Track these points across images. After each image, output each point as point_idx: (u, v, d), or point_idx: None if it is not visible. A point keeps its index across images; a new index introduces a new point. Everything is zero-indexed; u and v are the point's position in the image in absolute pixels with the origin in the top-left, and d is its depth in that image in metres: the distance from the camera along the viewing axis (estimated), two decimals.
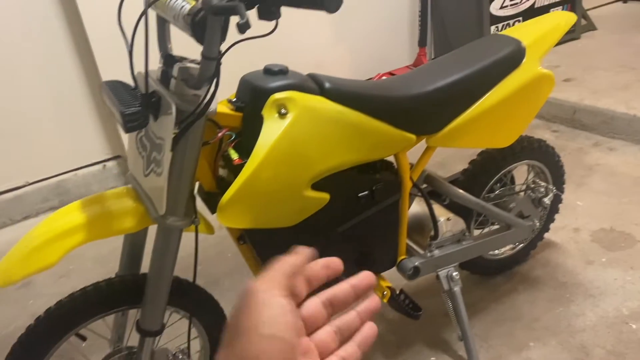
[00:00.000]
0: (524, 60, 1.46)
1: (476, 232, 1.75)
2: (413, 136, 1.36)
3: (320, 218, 1.29)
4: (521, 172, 1.81)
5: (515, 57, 1.45)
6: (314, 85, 1.23)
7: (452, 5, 3.64)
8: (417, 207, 1.60)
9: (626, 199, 2.20)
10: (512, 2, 3.58)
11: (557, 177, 1.84)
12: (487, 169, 1.67)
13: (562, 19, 1.56)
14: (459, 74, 1.39)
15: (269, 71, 1.21)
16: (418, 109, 1.35)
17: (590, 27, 4.11)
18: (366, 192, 1.36)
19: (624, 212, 2.12)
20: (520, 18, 3.65)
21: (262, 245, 1.29)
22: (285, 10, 0.91)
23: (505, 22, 3.60)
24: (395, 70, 3.67)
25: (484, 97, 1.42)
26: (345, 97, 1.25)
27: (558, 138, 2.81)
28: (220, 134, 1.17)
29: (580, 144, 2.71)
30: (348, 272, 1.38)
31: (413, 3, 3.71)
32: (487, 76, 1.42)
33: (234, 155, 1.19)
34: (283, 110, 1.15)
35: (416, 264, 1.51)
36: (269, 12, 0.89)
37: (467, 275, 1.88)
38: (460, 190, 1.55)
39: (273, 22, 0.95)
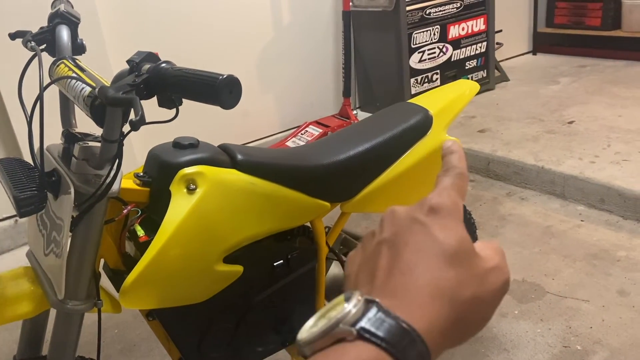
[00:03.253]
0: (432, 128, 1.53)
1: None
2: (327, 204, 1.38)
3: (234, 290, 1.27)
4: None
5: (423, 125, 1.52)
6: (225, 157, 1.23)
7: (374, 58, 3.78)
8: (336, 270, 1.61)
9: (537, 248, 2.32)
10: (430, 56, 3.76)
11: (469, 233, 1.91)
12: None
13: (466, 88, 1.65)
14: (369, 143, 1.43)
15: (178, 145, 1.20)
16: (331, 178, 1.37)
17: (504, 78, 4.38)
18: (281, 261, 1.36)
19: (534, 262, 2.23)
20: (438, 71, 3.84)
21: (171, 322, 1.25)
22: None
23: (424, 75, 3.77)
24: (323, 119, 3.74)
25: (394, 164, 1.47)
26: (258, 168, 1.25)
27: (474, 188, 2.94)
28: (125, 211, 1.14)
29: (494, 194, 2.84)
30: (264, 341, 1.35)
31: (337, 55, 3.83)
32: (397, 144, 1.47)
33: (140, 232, 1.16)
34: (192, 186, 1.14)
35: None
36: (169, 102, 0.89)
37: None
38: None
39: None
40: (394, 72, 3.70)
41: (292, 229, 1.41)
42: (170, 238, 1.10)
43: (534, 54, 5.06)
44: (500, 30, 4.35)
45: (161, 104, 0.90)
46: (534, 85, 4.13)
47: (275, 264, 1.35)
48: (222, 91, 0.81)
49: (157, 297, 1.13)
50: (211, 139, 3.48)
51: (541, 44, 4.99)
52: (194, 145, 1.20)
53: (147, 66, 0.85)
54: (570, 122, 3.29)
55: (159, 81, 0.83)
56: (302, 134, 3.64)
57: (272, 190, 1.27)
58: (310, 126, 3.68)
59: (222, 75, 0.83)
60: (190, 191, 1.13)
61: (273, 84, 3.65)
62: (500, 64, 4.45)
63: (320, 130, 3.58)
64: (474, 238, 1.91)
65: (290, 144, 3.59)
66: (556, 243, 2.34)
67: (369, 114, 4.07)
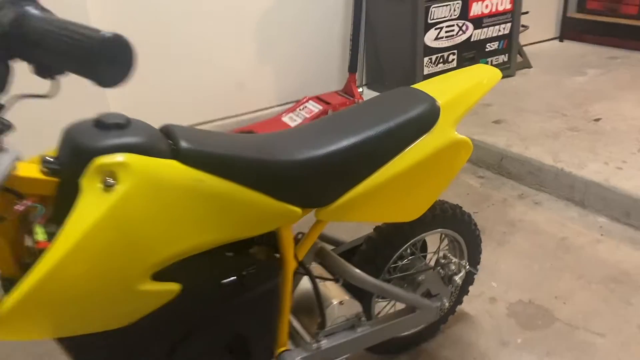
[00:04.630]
0: (437, 123, 1.23)
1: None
2: (298, 209, 1.09)
3: (169, 312, 1.00)
4: (435, 237, 1.59)
5: (427, 118, 1.22)
6: (164, 144, 0.95)
7: (386, 32, 3.44)
8: (308, 284, 1.34)
9: (548, 263, 2.03)
10: (448, 34, 3.42)
11: (473, 249, 1.63)
12: (391, 240, 1.42)
13: (485, 76, 1.34)
14: (357, 137, 1.14)
15: (100, 123, 0.91)
16: (305, 178, 1.09)
17: (526, 64, 4.03)
18: (233, 278, 1.08)
19: (544, 281, 1.94)
20: (455, 51, 3.50)
21: (79, 350, 0.98)
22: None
23: (440, 54, 3.43)
24: (324, 95, 3.43)
25: (387, 165, 1.18)
26: (208, 160, 0.97)
27: (483, 185, 2.64)
28: (20, 208, 0.86)
29: (505, 194, 2.54)
30: None
31: (345, 27, 3.49)
32: (392, 140, 1.18)
33: (40, 236, 0.88)
34: (110, 180, 0.85)
35: (298, 358, 1.24)
36: (45, 70, 0.60)
37: (363, 354, 1.63)
38: (356, 271, 1.30)
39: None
40: (406, 49, 3.36)
41: (251, 238, 1.14)
42: (72, 250, 0.82)
43: (561, 40, 4.68)
44: (527, 12, 3.98)
45: (38, 72, 0.61)
46: (558, 74, 3.79)
47: (224, 281, 1.08)
48: (98, 58, 0.52)
49: (51, 324, 0.86)
50: (200, 111, 3.18)
51: (570, 30, 4.61)
52: (121, 125, 0.91)
53: (8, 14, 0.56)
54: (597, 120, 2.96)
55: (20, 38, 0.54)
56: (300, 109, 3.34)
57: (225, 189, 0.99)
58: (310, 102, 3.37)
59: (104, 33, 0.54)
60: (107, 187, 0.85)
61: (272, 53, 3.32)
62: (524, 48, 4.09)
63: (320, 107, 3.27)
64: (477, 245, 1.62)
65: (286, 119, 3.29)
66: (571, 259, 2.05)
67: (376, 93, 3.76)
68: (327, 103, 3.33)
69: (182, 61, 3.02)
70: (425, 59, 3.37)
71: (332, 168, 1.11)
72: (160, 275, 0.96)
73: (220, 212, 0.99)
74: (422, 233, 1.46)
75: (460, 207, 1.55)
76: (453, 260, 1.48)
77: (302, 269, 1.22)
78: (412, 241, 1.45)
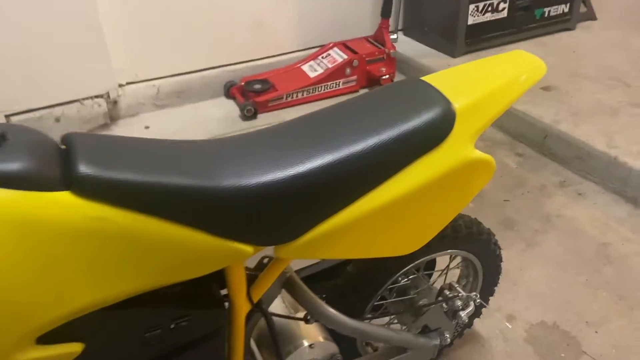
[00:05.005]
0: (450, 135, 0.91)
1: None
2: (248, 248, 0.82)
3: None
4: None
5: (436, 129, 0.90)
6: (54, 170, 0.68)
7: None
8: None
9: (583, 277, 1.73)
10: None
11: (490, 273, 1.34)
12: (376, 273, 1.15)
13: (525, 69, 1.00)
14: (338, 153, 0.84)
15: None
16: (258, 210, 0.80)
17: (590, 15, 3.51)
18: (158, 331, 0.84)
19: (575, 299, 1.65)
20: None
21: None
22: None
23: (488, 1, 2.97)
24: (351, 42, 3.05)
25: (376, 190, 0.88)
26: (114, 190, 0.70)
27: (520, 166, 2.29)
28: None
29: (544, 180, 2.20)
30: None
31: None
32: (385, 159, 0.87)
33: None
34: None
35: None
36: None
37: None
38: (330, 310, 1.03)
39: None
40: None
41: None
42: None
43: None
44: None
45: None
46: (627, 31, 3.27)
47: (147, 334, 0.84)
48: None
49: None
50: (211, 55, 2.86)
51: None
52: None
53: None
54: None
55: None
56: (322, 57, 2.98)
57: (139, 227, 0.72)
58: (335, 48, 3.00)
59: None
60: None
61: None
62: None
63: (346, 57, 2.91)
64: (495, 267, 1.33)
65: (306, 68, 2.95)
66: (611, 273, 1.74)
67: (413, 41, 3.35)
68: (354, 52, 2.96)
69: None
70: (472, 6, 2.92)
71: (298, 196, 0.82)
72: (54, 337, 0.73)
73: (133, 256, 0.74)
74: (422, 257, 1.18)
75: (479, 224, 1.25)
76: (460, 295, 1.20)
77: (259, 311, 0.97)
78: (408, 267, 1.17)
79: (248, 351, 1.12)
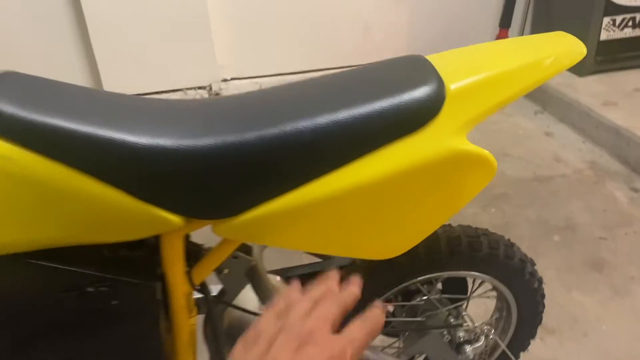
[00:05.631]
0: (436, 119, 0.75)
1: None
2: (176, 218, 0.74)
3: None
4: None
5: (417, 110, 0.74)
6: None
7: None
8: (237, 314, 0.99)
9: None
10: None
11: (526, 316, 1.10)
12: (376, 275, 0.99)
13: (558, 49, 0.80)
14: (288, 124, 0.73)
15: None
16: (185, 176, 0.72)
17: None
18: (74, 293, 0.79)
19: None
20: None
21: None
22: None
23: (630, 14, 2.57)
24: None
25: (336, 172, 0.75)
26: (28, 133, 0.66)
27: (633, 202, 1.92)
28: None
29: None
30: None
31: None
32: (348, 136, 0.74)
33: None
34: None
35: None
36: None
37: None
38: None
39: None
40: (583, 4, 2.58)
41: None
42: None
43: None
44: None
45: None
46: None
47: (62, 294, 0.79)
48: None
49: None
50: (316, 55, 2.85)
51: None
52: None
53: None
54: None
55: None
56: None
57: (52, 176, 0.68)
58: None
59: None
60: None
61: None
62: None
63: None
64: (533, 307, 1.10)
65: None
66: None
67: None
68: None
69: None
70: (606, 19, 2.56)
71: (233, 167, 0.72)
72: None
73: (41, 204, 0.69)
74: (424, 274, 1.00)
75: (511, 246, 1.03)
76: (466, 323, 0.99)
77: (204, 296, 0.88)
78: (407, 283, 1.00)
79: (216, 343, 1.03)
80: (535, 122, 2.57)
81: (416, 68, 0.79)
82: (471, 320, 1.02)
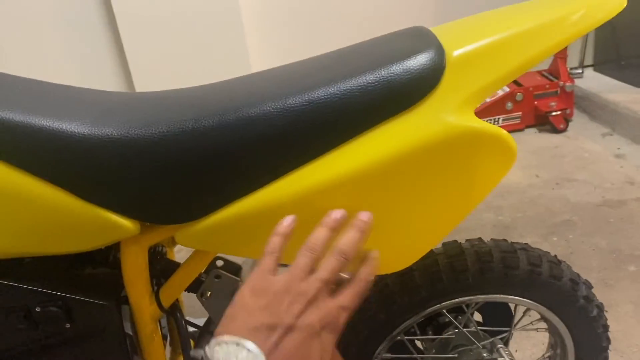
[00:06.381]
0: (434, 93, 0.60)
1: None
2: (130, 223, 0.63)
3: None
4: None
5: (409, 83, 0.60)
6: None
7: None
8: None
9: None
10: None
11: (587, 347, 0.89)
12: (391, 301, 0.82)
13: (589, 2, 0.64)
14: (250, 108, 0.61)
15: None
16: (129, 171, 0.61)
17: None
18: (22, 313, 0.69)
19: None
20: None
21: None
22: None
23: None
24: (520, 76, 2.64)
25: (314, 163, 0.62)
26: None
27: None
28: None
29: None
30: None
31: None
32: (325, 118, 0.60)
33: None
34: None
35: None
36: None
37: None
38: None
39: None
40: None
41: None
42: None
43: None
44: None
45: None
46: None
47: (16, 317, 0.69)
48: None
49: None
50: None
51: None
52: None
53: None
54: None
55: None
56: None
57: None
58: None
59: None
60: None
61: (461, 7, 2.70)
62: None
63: (508, 89, 2.53)
64: (594, 337, 0.89)
65: None
66: None
67: (608, 78, 2.77)
68: (518, 84, 2.56)
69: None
70: None
71: (185, 159, 0.61)
72: None
73: None
74: (445, 300, 0.82)
75: (557, 263, 0.84)
76: (472, 349, 0.80)
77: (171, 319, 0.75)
78: (426, 312, 0.82)
79: None
80: (603, 145, 2.31)
81: (414, 38, 0.66)
82: (511, 357, 0.83)
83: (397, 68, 0.61)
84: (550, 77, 2.59)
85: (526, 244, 0.86)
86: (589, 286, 0.87)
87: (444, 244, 0.86)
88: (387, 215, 0.64)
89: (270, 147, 0.61)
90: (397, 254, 0.68)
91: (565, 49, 2.55)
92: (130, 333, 0.74)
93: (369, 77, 0.61)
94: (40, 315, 0.68)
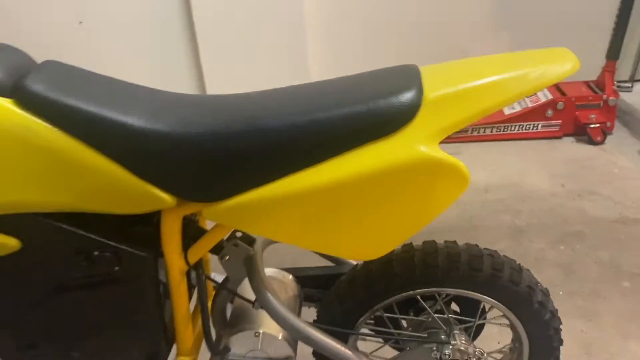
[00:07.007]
0: (409, 126, 0.77)
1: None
2: (167, 197, 0.84)
3: (10, 267, 0.91)
4: None
5: (389, 115, 0.77)
6: (9, 81, 0.81)
7: None
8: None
9: None
10: None
11: (540, 345, 1.05)
12: (376, 282, 1.00)
13: (550, 63, 0.78)
14: (273, 119, 0.80)
15: None
16: (174, 159, 0.81)
17: None
18: (84, 254, 0.91)
19: None
20: None
21: None
22: None
23: None
24: (565, 85, 2.70)
25: (313, 167, 0.80)
26: (50, 109, 0.80)
27: None
28: None
29: None
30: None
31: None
32: (324, 134, 0.78)
33: None
34: None
35: None
36: None
37: None
38: (272, 300, 0.95)
39: None
40: None
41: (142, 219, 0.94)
42: None
43: None
44: None
45: None
46: None
47: (76, 254, 0.91)
48: None
49: None
50: None
51: None
52: None
53: None
54: None
55: None
56: None
57: (65, 147, 0.81)
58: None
59: None
60: None
61: (510, 20, 2.75)
62: None
63: (550, 97, 2.59)
64: (546, 343, 1.05)
65: None
66: None
67: None
68: (563, 94, 2.61)
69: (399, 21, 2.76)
70: None
71: (217, 154, 0.80)
72: None
73: (57, 171, 0.82)
74: (419, 288, 0.99)
75: (520, 271, 1.00)
76: (454, 344, 0.97)
77: (195, 273, 0.96)
78: (402, 295, 1.00)
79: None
80: (636, 162, 2.36)
81: (401, 76, 0.82)
82: (466, 342, 0.99)
83: (382, 102, 0.77)
84: (596, 89, 2.63)
85: (495, 250, 1.02)
86: (545, 293, 1.02)
87: (423, 242, 1.02)
88: (364, 215, 0.82)
89: (280, 150, 0.79)
90: (371, 246, 0.86)
91: (614, 62, 2.58)
92: (163, 280, 0.96)
93: (360, 107, 0.78)
94: (97, 258, 0.90)
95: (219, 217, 0.86)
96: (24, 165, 0.80)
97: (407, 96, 0.77)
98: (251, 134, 0.79)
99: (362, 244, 0.86)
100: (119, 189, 0.83)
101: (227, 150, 0.80)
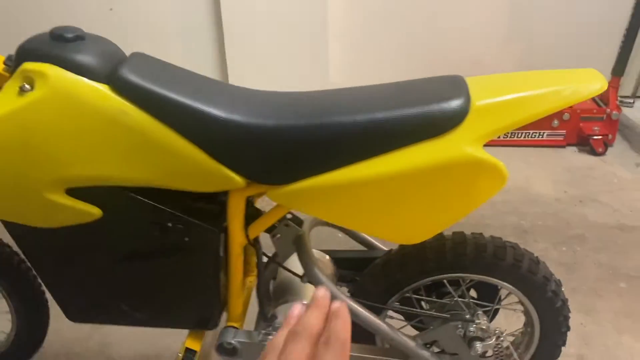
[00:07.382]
0: (458, 128, 0.89)
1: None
2: (239, 179, 0.96)
3: (91, 233, 1.02)
4: None
5: (442, 118, 0.89)
6: (105, 68, 0.92)
7: None
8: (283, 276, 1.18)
9: None
10: None
11: (550, 330, 1.17)
12: (409, 266, 1.13)
13: (580, 82, 0.90)
14: (336, 116, 0.92)
15: (53, 34, 0.94)
16: (248, 145, 0.93)
17: None
18: (159, 225, 1.03)
19: None
20: None
21: (21, 240, 1.08)
22: None
23: None
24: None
25: (370, 160, 0.92)
26: (142, 95, 0.91)
27: None
28: None
29: None
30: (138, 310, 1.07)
31: (620, 13, 2.74)
32: (382, 131, 0.91)
33: None
34: (26, 86, 0.89)
35: (234, 340, 1.13)
36: None
37: None
38: (320, 275, 1.07)
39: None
40: None
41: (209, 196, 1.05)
42: None
43: None
44: None
45: None
46: None
47: (151, 224, 1.03)
48: None
49: None
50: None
51: None
52: (67, 38, 0.92)
53: None
54: None
55: None
56: None
57: (152, 130, 0.92)
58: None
59: None
60: (23, 92, 0.89)
61: (523, 32, 2.88)
62: None
63: None
64: (555, 325, 1.18)
65: None
66: None
67: None
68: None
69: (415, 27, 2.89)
70: None
71: (285, 143, 0.92)
72: (80, 195, 0.98)
73: (143, 151, 0.94)
74: (449, 273, 1.12)
75: (537, 263, 1.12)
76: (476, 321, 1.10)
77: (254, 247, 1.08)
78: (433, 278, 1.12)
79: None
80: (634, 174, 2.50)
81: (451, 85, 0.94)
82: (485, 320, 1.12)
83: (436, 107, 0.89)
84: (600, 103, 2.77)
85: (516, 243, 1.14)
86: (558, 284, 1.15)
87: (453, 233, 1.15)
88: (412, 204, 0.94)
89: (341, 144, 0.91)
90: (414, 231, 0.98)
91: (618, 78, 2.72)
92: (221, 255, 1.08)
93: (416, 110, 0.90)
94: (170, 228, 1.02)
95: (282, 199, 0.98)
96: (114, 143, 0.92)
97: (457, 102, 0.89)
98: (319, 127, 0.91)
99: (406, 229, 0.98)
100: (198, 169, 0.94)
101: (297, 140, 0.91)
